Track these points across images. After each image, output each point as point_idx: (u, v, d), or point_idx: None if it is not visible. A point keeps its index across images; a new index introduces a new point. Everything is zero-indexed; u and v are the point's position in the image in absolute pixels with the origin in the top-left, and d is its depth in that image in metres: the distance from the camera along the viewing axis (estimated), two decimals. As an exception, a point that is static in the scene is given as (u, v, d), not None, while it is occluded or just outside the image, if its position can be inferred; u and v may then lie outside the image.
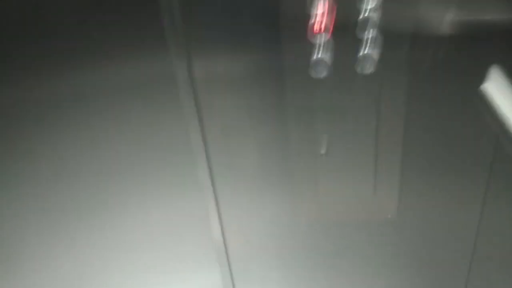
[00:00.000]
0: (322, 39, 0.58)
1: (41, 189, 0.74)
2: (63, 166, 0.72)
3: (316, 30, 0.57)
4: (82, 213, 0.76)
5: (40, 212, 0.76)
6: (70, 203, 0.75)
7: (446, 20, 0.58)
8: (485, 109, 0.52)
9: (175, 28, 0.59)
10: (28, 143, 0.70)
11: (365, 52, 0.59)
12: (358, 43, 0.58)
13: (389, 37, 0.58)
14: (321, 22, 0.57)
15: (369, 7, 0.56)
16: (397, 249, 0.78)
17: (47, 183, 0.73)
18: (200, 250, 0.80)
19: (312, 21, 0.57)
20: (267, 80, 0.63)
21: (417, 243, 0.77)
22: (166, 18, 0.58)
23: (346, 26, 0.57)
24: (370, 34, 0.57)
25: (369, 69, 0.60)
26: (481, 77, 0.55)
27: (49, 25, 0.60)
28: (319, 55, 0.59)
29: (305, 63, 0.60)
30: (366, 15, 0.56)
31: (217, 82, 0.64)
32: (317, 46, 0.59)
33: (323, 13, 0.56)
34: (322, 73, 0.61)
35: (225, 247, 0.79)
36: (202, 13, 0.58)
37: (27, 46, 0.62)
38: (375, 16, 0.56)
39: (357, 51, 0.59)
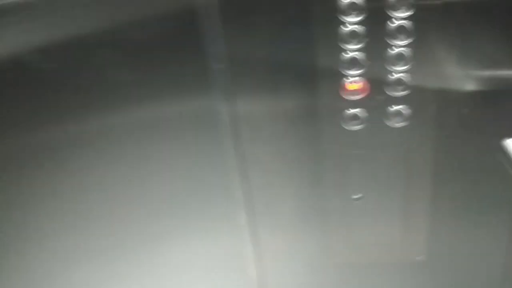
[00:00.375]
0: (356, 96, 0.62)
1: (84, 225, 0.75)
2: (107, 203, 0.74)
3: (351, 88, 0.62)
4: (123, 250, 0.78)
5: (83, 247, 0.77)
6: (111, 241, 0.77)
7: (470, 77, 0.62)
8: (507, 161, 0.55)
9: (221, 76, 0.63)
10: (74, 177, 0.72)
11: (396, 107, 0.63)
12: (390, 99, 0.62)
13: (419, 93, 0.62)
14: (356, 82, 0.62)
15: (399, 68, 0.60)
16: (427, 290, 0.79)
17: (92, 219, 0.75)
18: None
19: (348, 80, 0.62)
20: (306, 129, 0.67)
21: (446, 284, 0.78)
22: (212, 61, 0.62)
23: (378, 84, 0.62)
24: (400, 91, 0.62)
25: (399, 122, 0.64)
26: (504, 131, 0.59)
27: (97, 63, 0.64)
28: (354, 110, 0.64)
29: (340, 116, 0.64)
30: (396, 74, 0.61)
31: (259, 129, 0.67)
32: (351, 101, 0.63)
33: (358, 74, 0.61)
34: (356, 126, 0.65)
35: (262, 286, 0.81)
36: (246, 58, 0.62)
37: (75, 83, 0.65)
38: (405, 75, 0.61)
39: (388, 106, 0.63)
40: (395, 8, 0.57)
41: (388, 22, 0.58)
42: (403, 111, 0.63)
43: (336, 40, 0.59)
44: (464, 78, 0.62)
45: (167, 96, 0.66)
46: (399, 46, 0.59)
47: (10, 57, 0.63)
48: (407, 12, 0.57)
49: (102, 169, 0.72)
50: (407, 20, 0.58)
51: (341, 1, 0.57)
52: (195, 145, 0.70)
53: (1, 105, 0.66)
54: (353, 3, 0.57)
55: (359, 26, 0.58)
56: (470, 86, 0.62)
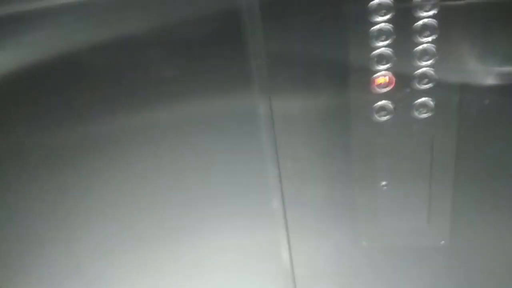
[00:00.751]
0: (384, 89, 0.66)
1: (121, 217, 0.79)
2: (150, 189, 0.77)
3: (380, 82, 0.65)
4: (164, 237, 0.81)
5: (116, 239, 0.80)
6: (147, 230, 0.80)
7: (491, 72, 0.65)
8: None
9: (261, 75, 0.66)
10: (109, 173, 0.75)
11: (421, 99, 0.66)
12: (415, 91, 0.66)
13: (443, 87, 0.65)
14: (384, 76, 0.65)
15: (425, 63, 0.64)
16: (450, 274, 0.81)
17: (128, 212, 0.79)
18: (268, 274, 0.84)
19: (377, 74, 0.65)
20: (336, 121, 0.69)
21: (468, 268, 0.80)
22: (251, 58, 0.65)
23: (405, 78, 0.65)
24: (426, 84, 0.65)
25: (424, 113, 0.67)
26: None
27: (143, 61, 0.67)
28: (382, 102, 0.67)
29: (369, 108, 0.68)
30: (422, 69, 0.64)
31: (293, 121, 0.70)
32: (380, 94, 0.66)
33: (386, 68, 0.65)
34: (384, 117, 0.68)
35: (292, 270, 0.84)
36: (285, 58, 0.66)
37: (121, 80, 0.68)
38: (429, 70, 0.64)
39: (415, 98, 0.66)
40: (421, 7, 0.61)
41: (414, 21, 0.62)
42: (428, 103, 0.67)
43: (366, 37, 0.63)
44: (485, 72, 0.65)
45: (208, 91, 0.70)
46: (425, 42, 0.63)
47: (62, 55, 0.67)
48: (432, 11, 0.61)
49: (146, 160, 0.75)
50: (432, 19, 0.61)
51: (371, 1, 0.61)
52: (234, 137, 0.73)
53: (49, 101, 0.71)
54: (382, 3, 0.61)
55: (388, 24, 0.62)
56: (490, 80, 0.65)
